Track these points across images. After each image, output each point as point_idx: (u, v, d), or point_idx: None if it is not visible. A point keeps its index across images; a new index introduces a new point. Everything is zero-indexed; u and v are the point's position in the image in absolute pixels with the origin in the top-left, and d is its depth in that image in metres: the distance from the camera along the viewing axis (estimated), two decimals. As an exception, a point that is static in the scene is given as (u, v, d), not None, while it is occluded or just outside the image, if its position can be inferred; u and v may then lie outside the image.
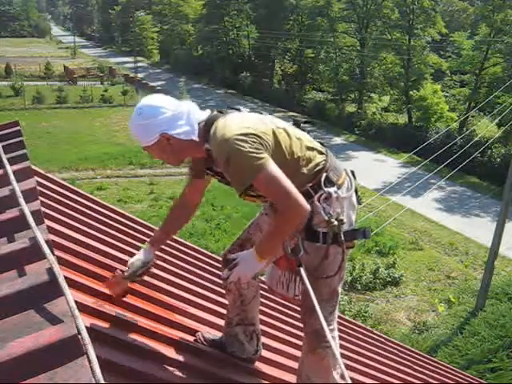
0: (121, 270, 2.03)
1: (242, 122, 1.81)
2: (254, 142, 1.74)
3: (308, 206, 1.76)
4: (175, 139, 1.81)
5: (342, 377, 1.66)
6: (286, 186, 1.73)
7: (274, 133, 1.85)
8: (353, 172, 2.09)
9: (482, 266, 13.02)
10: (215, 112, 1.91)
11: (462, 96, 28.27)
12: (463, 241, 15.51)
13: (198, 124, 1.86)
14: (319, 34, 33.21)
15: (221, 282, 2.38)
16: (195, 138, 1.83)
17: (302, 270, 1.84)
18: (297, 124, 2.09)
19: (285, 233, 1.80)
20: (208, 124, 1.85)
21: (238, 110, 1.97)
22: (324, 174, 1.91)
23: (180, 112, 1.81)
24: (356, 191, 2.05)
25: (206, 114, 1.90)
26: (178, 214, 2.21)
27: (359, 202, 2.08)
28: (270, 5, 36.92)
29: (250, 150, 1.72)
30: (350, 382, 1.48)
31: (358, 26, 32.16)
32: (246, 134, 1.75)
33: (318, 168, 1.92)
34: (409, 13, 28.22)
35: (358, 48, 31.80)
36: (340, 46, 32.79)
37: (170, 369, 1.83)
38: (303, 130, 2.06)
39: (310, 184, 1.89)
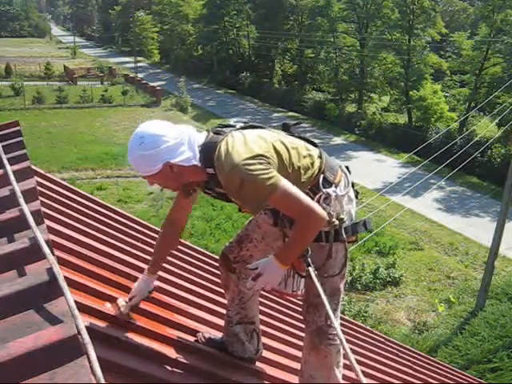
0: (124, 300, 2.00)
1: (246, 144, 1.79)
2: (261, 162, 1.74)
3: (325, 214, 1.80)
4: (178, 166, 1.77)
5: (356, 377, 1.65)
6: (301, 200, 1.75)
7: (274, 148, 1.85)
8: (347, 167, 2.12)
9: (482, 266, 13.02)
10: (211, 134, 1.87)
11: (461, 96, 28.25)
12: (463, 241, 15.50)
13: (198, 147, 1.83)
14: (319, 34, 33.20)
15: (220, 281, 2.38)
16: (197, 163, 1.80)
17: (311, 270, 1.86)
18: (287, 127, 2.10)
19: (307, 241, 1.83)
20: (208, 148, 1.81)
21: (233, 126, 1.95)
22: (321, 176, 1.94)
23: (182, 139, 1.77)
24: (352, 185, 2.08)
25: (204, 136, 1.87)
26: (168, 236, 2.18)
27: (357, 196, 2.11)
28: (269, 5, 36.93)
29: (261, 172, 1.72)
30: (350, 353, 1.48)
31: (358, 26, 32.16)
32: (253, 157, 1.74)
33: (315, 173, 1.95)
34: (409, 13, 28.21)
35: (358, 48, 31.78)
36: (340, 46, 32.78)
37: (170, 369, 1.83)
38: (293, 134, 2.07)
39: (309, 186, 1.92)
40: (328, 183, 1.94)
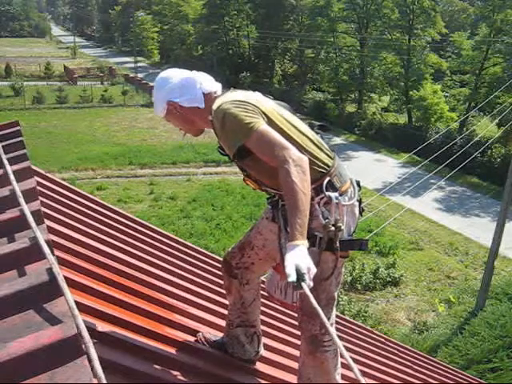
0: None
1: (239, 95, 1.89)
2: (248, 107, 1.81)
3: (302, 155, 1.72)
4: (182, 107, 1.92)
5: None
6: (281, 140, 1.74)
7: (272, 114, 1.87)
8: (358, 182, 2.03)
9: (482, 266, 13.02)
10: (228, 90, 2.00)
11: (462, 96, 28.26)
12: (463, 241, 15.50)
13: (208, 95, 1.93)
14: (319, 34, 33.22)
15: (221, 282, 2.38)
16: (200, 105, 1.91)
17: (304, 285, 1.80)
18: (310, 127, 2.05)
19: (297, 190, 1.63)
20: (216, 98, 1.93)
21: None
22: (327, 178, 1.86)
23: (186, 80, 1.92)
24: (360, 202, 2.00)
25: (218, 87, 1.99)
26: None
27: (361, 214, 2.02)
28: (269, 5, 36.94)
29: (244, 112, 1.78)
30: (351, 361, 1.45)
31: (358, 25, 32.19)
32: (241, 101, 1.83)
33: (321, 169, 1.88)
34: (409, 13, 28.24)
35: (358, 48, 31.81)
36: (340, 46, 32.79)
37: (170, 369, 1.82)
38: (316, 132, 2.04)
39: (312, 186, 1.79)
40: (333, 188, 1.86)
